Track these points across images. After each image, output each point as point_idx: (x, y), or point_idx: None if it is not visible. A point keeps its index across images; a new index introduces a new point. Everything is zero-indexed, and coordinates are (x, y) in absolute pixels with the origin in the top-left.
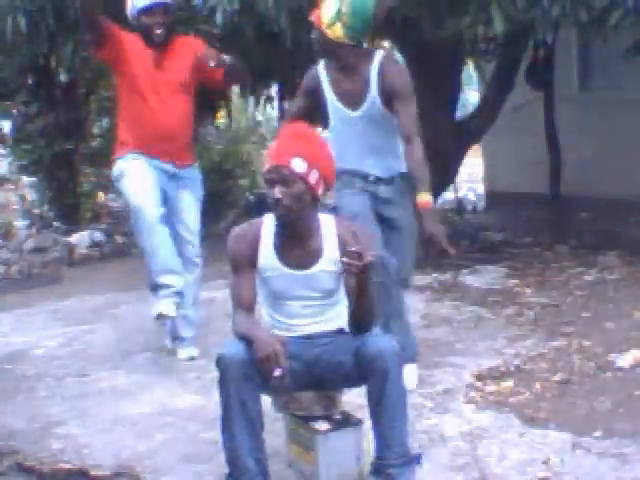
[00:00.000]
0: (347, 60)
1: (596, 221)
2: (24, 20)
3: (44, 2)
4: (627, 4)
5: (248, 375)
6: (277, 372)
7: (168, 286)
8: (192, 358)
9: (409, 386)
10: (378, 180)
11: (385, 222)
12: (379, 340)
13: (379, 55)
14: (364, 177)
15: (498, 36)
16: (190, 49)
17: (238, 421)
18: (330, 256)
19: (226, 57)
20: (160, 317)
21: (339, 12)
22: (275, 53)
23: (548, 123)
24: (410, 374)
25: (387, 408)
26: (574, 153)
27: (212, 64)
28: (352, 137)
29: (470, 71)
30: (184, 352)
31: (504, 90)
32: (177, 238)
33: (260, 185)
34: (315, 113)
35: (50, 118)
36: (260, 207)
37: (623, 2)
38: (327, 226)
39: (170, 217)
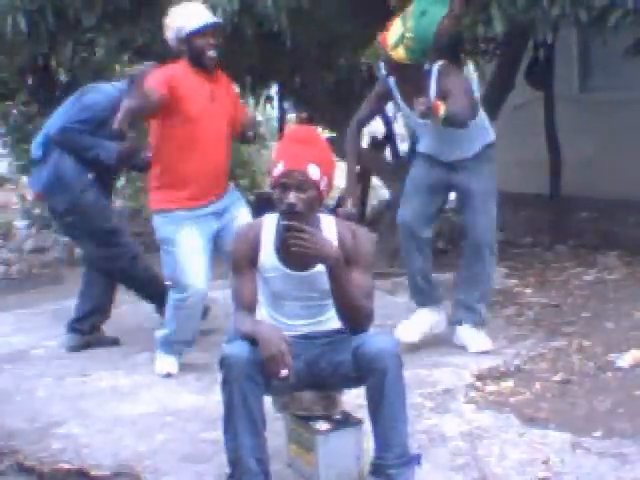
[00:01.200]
0: (410, 79)
1: (596, 221)
2: (24, 20)
3: (44, 2)
4: (627, 4)
5: (252, 375)
6: (283, 372)
7: (180, 354)
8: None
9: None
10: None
11: (457, 189)
12: (378, 340)
13: (436, 66)
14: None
15: (498, 36)
16: (228, 83)
17: (241, 421)
18: None
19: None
20: (169, 376)
21: (402, 36)
22: (275, 53)
23: (548, 123)
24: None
25: (386, 408)
26: (574, 153)
27: (250, 133)
28: (426, 133)
29: (470, 71)
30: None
31: (504, 90)
32: None
33: (260, 185)
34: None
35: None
36: (260, 207)
37: (623, 2)
38: (327, 226)
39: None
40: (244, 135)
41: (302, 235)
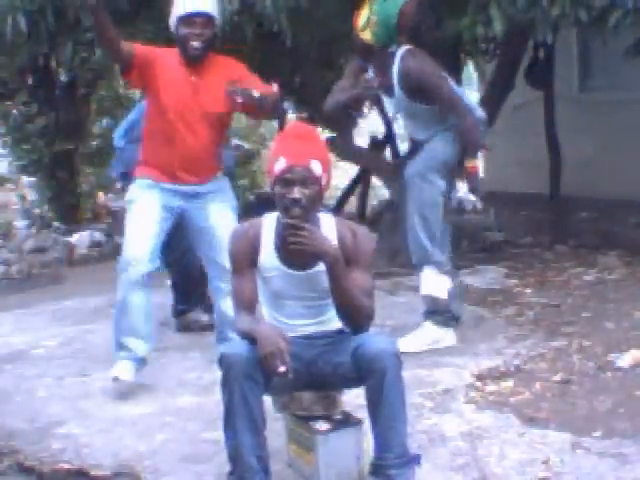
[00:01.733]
0: (377, 60)
1: (596, 221)
2: (24, 20)
3: (44, 2)
4: (627, 4)
5: (251, 374)
6: (281, 368)
7: (130, 350)
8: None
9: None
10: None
11: None
12: (377, 341)
13: (400, 50)
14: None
15: (498, 36)
16: (231, 73)
17: (240, 419)
18: None
19: (256, 94)
20: (116, 380)
21: (368, 19)
22: (275, 53)
23: (548, 123)
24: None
25: (385, 409)
26: (574, 153)
27: (239, 100)
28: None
29: (470, 71)
30: None
31: (504, 90)
32: (210, 259)
33: (260, 185)
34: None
35: (50, 118)
36: (260, 207)
37: (623, 2)
38: (327, 226)
39: (200, 237)
40: (244, 106)
41: (301, 232)
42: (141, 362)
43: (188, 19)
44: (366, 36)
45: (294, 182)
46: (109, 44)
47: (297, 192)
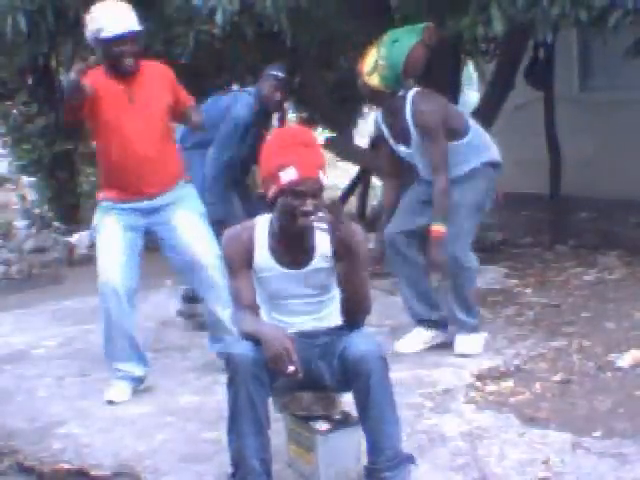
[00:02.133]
0: (387, 106)
1: (596, 221)
2: (24, 20)
3: (44, 2)
4: (627, 4)
5: (258, 375)
6: (291, 368)
7: (125, 372)
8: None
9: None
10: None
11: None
12: (361, 343)
13: (411, 93)
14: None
15: (498, 36)
16: (160, 76)
17: (246, 421)
18: (323, 252)
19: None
20: (111, 404)
21: (376, 63)
22: (275, 53)
23: (548, 123)
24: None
25: (373, 411)
26: (574, 153)
27: (190, 124)
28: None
29: (470, 71)
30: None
31: (504, 90)
32: (189, 266)
33: (260, 185)
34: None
35: (50, 118)
36: (261, 207)
37: (623, 2)
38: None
39: (176, 255)
40: (188, 120)
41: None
42: (138, 381)
43: (120, 39)
44: (373, 81)
45: (306, 194)
46: (75, 123)
47: (310, 204)
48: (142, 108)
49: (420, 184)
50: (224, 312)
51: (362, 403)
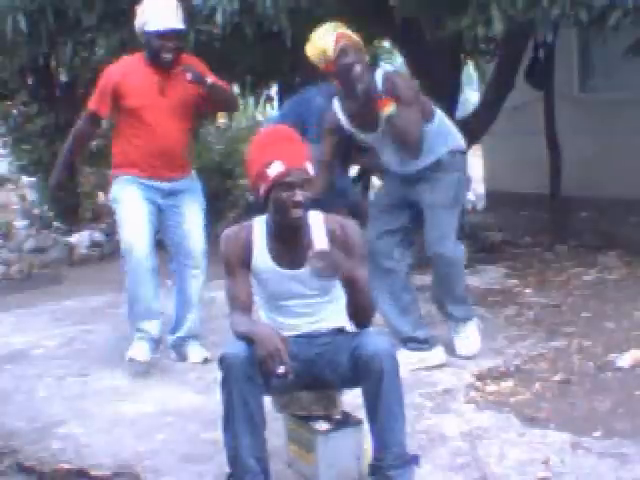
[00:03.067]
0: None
1: (596, 221)
2: (24, 20)
3: (44, 2)
4: (627, 4)
5: (251, 375)
6: (280, 370)
7: (145, 332)
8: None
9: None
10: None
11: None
12: (375, 341)
13: (379, 74)
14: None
15: (498, 36)
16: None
17: (240, 421)
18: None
19: (208, 78)
20: (132, 361)
21: None
22: (275, 53)
23: (548, 123)
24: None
25: (383, 409)
26: (574, 153)
27: (188, 77)
28: (383, 147)
29: (470, 71)
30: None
31: (504, 90)
32: (180, 249)
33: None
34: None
35: (50, 118)
36: (260, 207)
37: (623, 2)
38: (315, 222)
39: (171, 230)
40: (230, 102)
41: (328, 259)
42: (156, 343)
43: (163, 35)
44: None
45: (295, 185)
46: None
47: (299, 195)
48: (171, 102)
49: (390, 182)
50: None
51: (372, 401)
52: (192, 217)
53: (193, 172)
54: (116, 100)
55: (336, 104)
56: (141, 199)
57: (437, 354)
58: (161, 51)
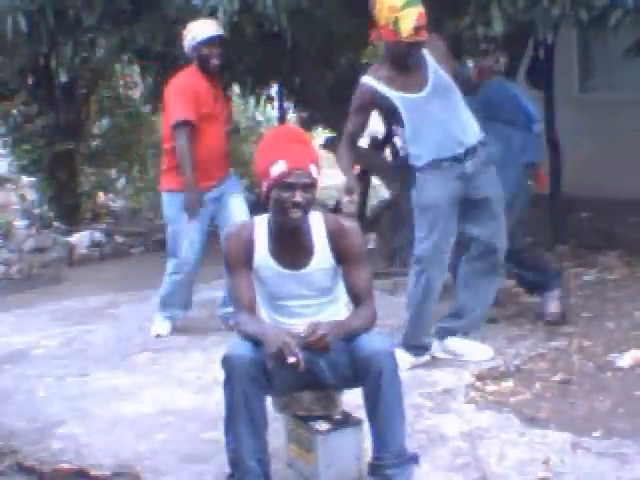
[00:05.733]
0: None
1: (596, 221)
2: (24, 20)
3: (44, 2)
4: (627, 4)
5: (254, 376)
6: (291, 359)
7: (171, 314)
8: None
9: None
10: (464, 155)
11: (476, 202)
12: (373, 341)
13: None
14: (453, 160)
15: (498, 36)
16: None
17: (243, 422)
18: (322, 253)
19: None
20: (157, 337)
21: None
22: (275, 53)
23: (548, 123)
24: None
25: (383, 408)
26: (574, 153)
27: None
28: (427, 123)
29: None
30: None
31: None
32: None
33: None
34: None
35: (50, 118)
36: (260, 207)
37: (623, 2)
38: (316, 223)
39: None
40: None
41: (322, 342)
42: (176, 321)
43: (209, 42)
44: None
45: (296, 186)
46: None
47: (299, 196)
48: (220, 106)
49: (456, 167)
50: None
51: (371, 400)
52: (238, 210)
53: (231, 169)
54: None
55: (374, 69)
56: (197, 220)
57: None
58: (211, 57)
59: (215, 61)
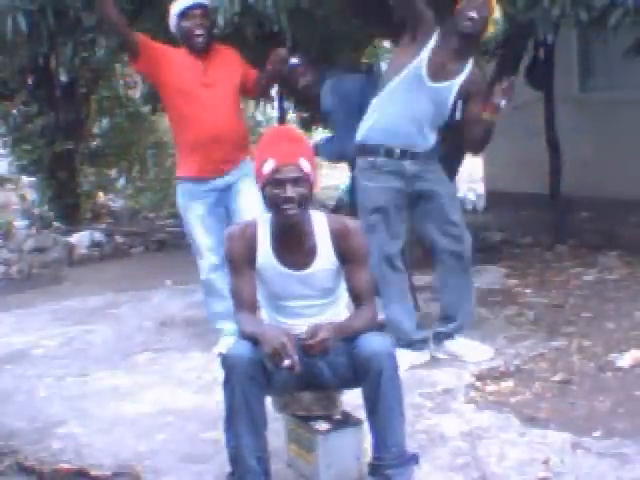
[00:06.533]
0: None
1: (596, 221)
2: (24, 20)
3: (44, 2)
4: (627, 4)
5: (253, 375)
6: (286, 362)
7: (227, 329)
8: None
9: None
10: (404, 154)
11: (420, 197)
12: (373, 341)
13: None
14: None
15: (498, 36)
16: (230, 59)
17: (242, 421)
18: (325, 254)
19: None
20: (220, 355)
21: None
22: None
23: (548, 123)
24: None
25: (383, 408)
26: (574, 153)
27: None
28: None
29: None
30: None
31: None
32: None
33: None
34: None
35: (50, 118)
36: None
37: (623, 2)
38: (319, 223)
39: (235, 214)
40: (264, 89)
41: (319, 347)
42: (234, 333)
43: (187, 13)
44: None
45: (285, 181)
46: (111, 20)
47: (290, 191)
48: (214, 87)
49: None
50: None
51: (371, 400)
52: (252, 203)
53: (248, 156)
54: (154, 64)
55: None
56: (205, 213)
57: (424, 355)
58: (192, 29)
59: (198, 32)
